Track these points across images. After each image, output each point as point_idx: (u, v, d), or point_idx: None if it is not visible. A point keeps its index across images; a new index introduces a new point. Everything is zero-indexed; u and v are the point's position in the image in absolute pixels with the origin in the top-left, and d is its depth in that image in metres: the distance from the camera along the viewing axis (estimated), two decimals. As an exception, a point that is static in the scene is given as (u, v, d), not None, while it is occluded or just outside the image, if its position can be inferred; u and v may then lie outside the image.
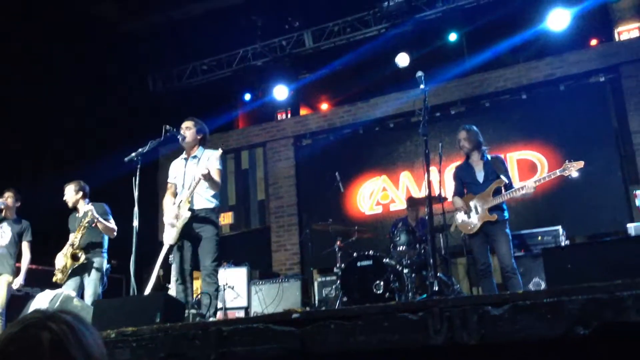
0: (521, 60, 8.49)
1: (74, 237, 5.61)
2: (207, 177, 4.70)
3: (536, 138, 7.98)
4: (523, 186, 5.07)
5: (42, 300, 4.42)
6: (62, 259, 5.70)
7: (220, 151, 4.88)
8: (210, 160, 4.89)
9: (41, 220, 6.29)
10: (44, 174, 7.36)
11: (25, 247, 6.22)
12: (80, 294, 5.52)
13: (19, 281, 6.04)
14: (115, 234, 5.72)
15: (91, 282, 5.57)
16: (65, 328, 1.12)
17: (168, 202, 5.03)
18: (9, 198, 6.22)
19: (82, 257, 5.56)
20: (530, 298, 2.30)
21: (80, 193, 5.85)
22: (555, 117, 7.91)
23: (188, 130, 5.05)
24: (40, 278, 6.66)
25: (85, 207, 5.56)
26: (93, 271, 5.63)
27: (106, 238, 5.79)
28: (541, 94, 8.18)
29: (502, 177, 5.14)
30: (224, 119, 9.86)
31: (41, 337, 1.09)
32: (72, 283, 5.59)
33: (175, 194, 5.07)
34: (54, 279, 5.71)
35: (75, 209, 5.90)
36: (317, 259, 8.31)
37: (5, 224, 6.17)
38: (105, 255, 5.79)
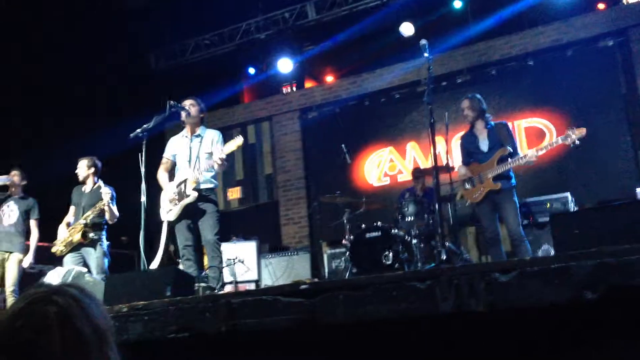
0: (527, 26, 8.36)
1: (86, 216, 5.64)
2: (224, 166, 4.81)
3: (544, 105, 7.91)
4: (525, 155, 5.03)
5: (54, 277, 4.48)
6: (65, 232, 5.74)
7: (239, 142, 4.91)
8: (218, 144, 4.94)
9: (49, 196, 6.31)
10: (50, 151, 7.36)
11: (33, 225, 6.24)
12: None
13: (28, 259, 6.08)
14: (116, 220, 5.76)
15: (96, 259, 5.62)
16: (71, 301, 1.13)
17: (164, 178, 5.06)
18: (15, 176, 6.24)
19: (91, 236, 5.61)
20: (538, 264, 2.30)
21: (93, 169, 5.89)
22: (562, 83, 7.82)
23: (192, 107, 5.07)
24: (52, 255, 6.72)
25: (104, 190, 5.56)
26: (98, 248, 5.67)
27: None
28: (548, 60, 8.07)
29: (507, 145, 5.10)
30: (229, 94, 9.82)
31: (47, 311, 1.09)
32: (72, 258, 5.63)
33: (168, 170, 5.10)
34: (54, 250, 5.76)
35: (82, 183, 5.94)
36: (325, 232, 8.35)
37: (12, 202, 6.19)
38: (105, 233, 5.84)
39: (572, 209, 6.21)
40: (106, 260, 5.68)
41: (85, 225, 5.60)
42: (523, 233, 4.96)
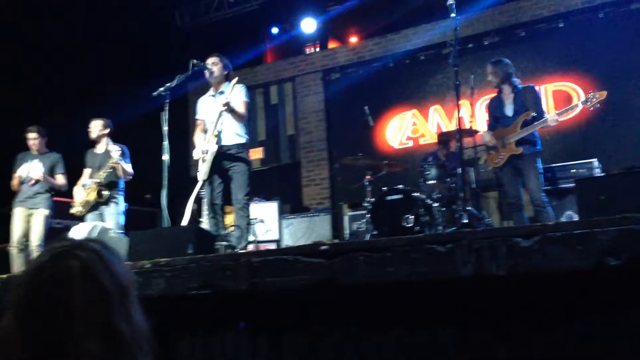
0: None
1: (98, 175, 5.74)
2: (229, 109, 4.71)
3: (573, 68, 7.72)
4: (545, 119, 4.94)
5: (79, 232, 4.56)
6: (82, 193, 5.85)
7: (234, 80, 4.85)
8: (234, 92, 4.87)
9: (74, 155, 6.39)
10: (74, 110, 7.42)
11: (60, 178, 6.32)
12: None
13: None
14: (130, 177, 5.83)
15: (112, 216, 5.76)
16: (94, 256, 1.15)
17: (198, 139, 5.08)
18: (28, 133, 6.29)
19: (106, 193, 5.72)
20: (561, 229, 2.27)
21: (107, 130, 5.97)
22: (593, 46, 7.60)
23: (215, 65, 5.04)
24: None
25: (112, 148, 5.63)
26: (112, 205, 5.83)
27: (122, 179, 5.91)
28: (579, 22, 7.83)
29: (531, 108, 5.01)
30: (252, 54, 9.74)
31: (71, 265, 1.11)
32: (93, 216, 5.78)
33: (205, 130, 5.10)
34: (73, 211, 5.89)
35: (94, 145, 6.01)
36: (346, 193, 8.36)
37: (36, 160, 6.28)
38: (123, 193, 5.94)
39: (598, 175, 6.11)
40: (122, 219, 5.80)
41: (99, 184, 5.70)
42: (546, 199, 4.91)
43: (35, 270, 1.12)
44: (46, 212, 6.16)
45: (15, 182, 6.21)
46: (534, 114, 4.99)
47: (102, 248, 1.18)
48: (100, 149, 6.00)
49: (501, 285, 2.37)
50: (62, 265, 1.11)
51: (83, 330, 1.06)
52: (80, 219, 5.86)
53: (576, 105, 5.03)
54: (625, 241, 2.12)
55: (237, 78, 4.92)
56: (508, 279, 2.29)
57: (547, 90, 7.80)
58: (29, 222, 6.11)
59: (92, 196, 5.73)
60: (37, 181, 6.12)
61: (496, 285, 2.38)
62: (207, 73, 5.00)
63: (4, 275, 3.49)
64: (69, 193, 6.60)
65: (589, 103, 4.80)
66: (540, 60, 7.92)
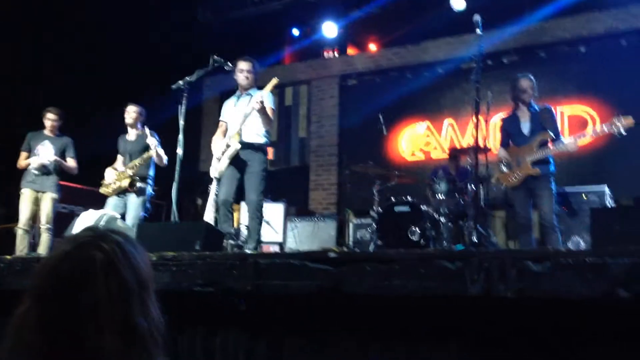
0: (583, 11, 8.07)
1: (133, 164, 5.75)
2: (262, 111, 4.70)
3: (591, 93, 7.69)
4: (566, 142, 4.90)
5: (87, 219, 4.57)
6: (113, 175, 5.88)
7: (274, 81, 4.84)
8: (264, 98, 4.86)
9: (92, 143, 6.43)
10: (92, 101, 7.47)
11: (71, 162, 6.34)
12: (122, 215, 5.70)
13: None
14: (166, 164, 5.86)
15: (135, 205, 5.76)
16: (117, 248, 1.15)
17: (218, 140, 5.06)
18: (49, 114, 6.33)
19: (138, 185, 5.75)
20: (573, 256, 2.25)
21: (141, 117, 6.02)
22: (613, 73, 7.57)
23: (249, 73, 5.04)
24: (84, 197, 6.87)
25: (151, 141, 5.65)
26: (140, 198, 5.84)
27: (154, 167, 5.92)
28: (601, 48, 7.81)
29: (549, 130, 4.98)
30: (271, 54, 9.74)
31: (94, 256, 1.11)
32: (115, 202, 5.79)
33: (225, 133, 5.09)
34: (102, 190, 5.91)
35: (125, 132, 6.02)
36: (354, 201, 8.33)
37: (47, 142, 6.30)
38: (151, 182, 5.95)
39: (607, 203, 6.08)
40: (143, 210, 5.82)
41: (134, 175, 5.73)
42: (556, 222, 4.88)
43: (59, 259, 1.12)
44: (54, 195, 6.19)
45: (22, 161, 6.23)
46: (552, 135, 4.96)
47: (125, 240, 1.18)
48: (132, 135, 6.02)
49: (507, 306, 2.35)
50: (85, 255, 1.11)
51: (100, 323, 1.06)
52: (91, 202, 5.91)
53: (601, 130, 4.90)
54: (637, 273, 2.10)
55: (275, 80, 4.90)
56: (515, 301, 2.28)
57: (562, 114, 7.77)
58: (37, 204, 6.14)
59: (125, 183, 5.76)
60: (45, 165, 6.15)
61: (502, 306, 2.37)
62: (237, 78, 5.02)
63: (8, 257, 3.51)
64: (76, 178, 6.63)
65: (613, 128, 4.67)
66: (559, 83, 7.90)
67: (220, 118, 5.24)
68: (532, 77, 5.19)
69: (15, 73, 7.49)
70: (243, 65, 5.04)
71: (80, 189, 7.17)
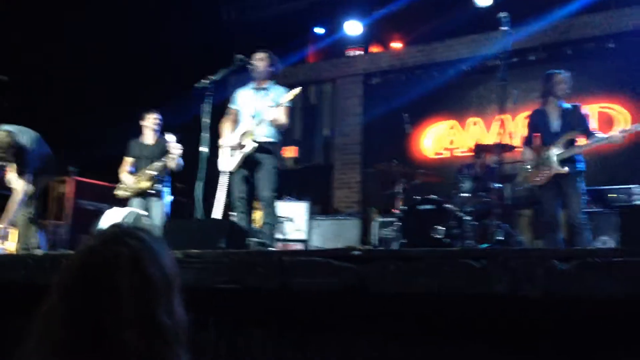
0: (613, 7, 7.93)
1: (155, 167, 5.84)
2: (275, 123, 4.81)
3: (620, 91, 7.55)
4: (610, 136, 4.81)
5: (113, 216, 4.63)
6: (131, 179, 5.96)
7: (296, 91, 4.88)
8: (280, 98, 4.89)
9: (112, 144, 6.51)
10: (111, 103, 7.56)
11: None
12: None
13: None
14: (182, 169, 5.93)
15: (159, 205, 5.86)
16: (142, 245, 1.15)
17: (227, 128, 5.09)
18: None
19: (158, 187, 5.86)
20: (601, 255, 2.22)
21: (161, 122, 6.10)
22: (643, 70, 7.43)
23: (260, 61, 5.06)
24: (109, 194, 6.94)
25: (175, 147, 5.73)
26: (160, 196, 5.95)
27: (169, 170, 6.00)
28: (630, 44, 7.65)
29: (579, 127, 4.90)
30: (295, 52, 9.75)
31: (120, 252, 1.12)
32: (138, 203, 5.89)
33: (234, 121, 5.12)
34: (117, 192, 6.01)
35: (137, 136, 6.15)
36: (377, 199, 8.31)
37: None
38: (169, 184, 6.07)
39: (637, 201, 5.97)
40: (166, 208, 5.90)
41: (154, 176, 5.81)
42: (585, 221, 4.80)
43: (85, 254, 1.13)
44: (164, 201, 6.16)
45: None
46: (581, 133, 4.88)
47: (150, 238, 1.19)
48: (150, 139, 6.10)
49: (533, 306, 2.33)
50: (111, 251, 1.11)
51: (124, 319, 1.07)
52: (117, 199, 5.99)
53: None
54: (668, 273, 2.06)
55: (300, 88, 4.96)
56: (541, 300, 2.25)
57: (591, 111, 7.64)
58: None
59: (145, 185, 5.85)
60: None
61: (527, 306, 2.34)
62: (251, 68, 5.04)
63: (39, 253, 3.58)
64: (101, 177, 6.70)
65: None
66: (587, 80, 7.75)
67: (231, 105, 5.23)
68: (566, 73, 5.12)
69: (43, 73, 7.60)
70: (258, 55, 5.07)
71: (108, 186, 7.27)
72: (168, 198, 6.07)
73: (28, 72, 5.61)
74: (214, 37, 9.24)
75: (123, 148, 6.27)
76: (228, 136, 5.05)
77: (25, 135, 5.50)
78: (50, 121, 6.70)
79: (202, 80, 4.83)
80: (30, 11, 7.35)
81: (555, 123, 5.03)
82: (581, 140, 4.98)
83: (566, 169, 4.83)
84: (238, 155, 4.89)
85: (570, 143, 4.91)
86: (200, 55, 8.31)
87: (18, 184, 5.39)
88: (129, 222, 4.47)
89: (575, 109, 5.08)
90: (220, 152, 5.06)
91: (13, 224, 5.59)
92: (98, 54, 7.90)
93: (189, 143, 5.73)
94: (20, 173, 5.42)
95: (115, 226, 1.21)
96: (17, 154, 5.46)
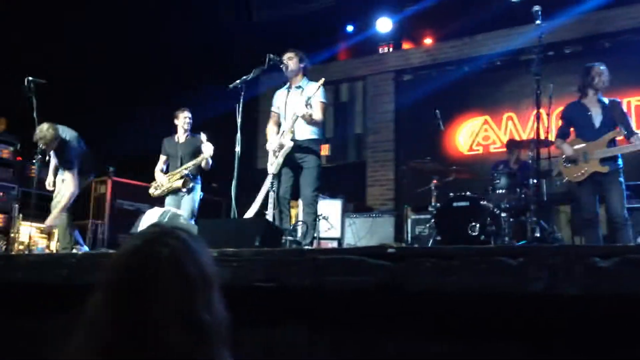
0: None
1: (187, 166, 5.94)
2: (309, 121, 4.81)
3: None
4: None
5: (152, 216, 4.72)
6: (164, 177, 6.12)
7: (320, 82, 4.90)
8: (315, 95, 4.90)
9: (144, 143, 6.60)
10: (145, 103, 7.63)
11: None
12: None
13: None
14: (210, 168, 6.01)
15: (189, 202, 6.01)
16: (182, 244, 1.18)
17: (271, 131, 5.16)
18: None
19: (191, 184, 5.95)
20: (642, 252, 2.17)
21: (191, 121, 6.18)
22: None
23: (290, 60, 5.10)
24: (145, 194, 7.04)
25: (208, 146, 5.81)
26: (192, 195, 6.06)
27: (199, 167, 6.08)
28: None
29: (621, 124, 4.78)
30: (326, 50, 9.75)
31: (161, 252, 1.14)
32: (172, 201, 6.04)
33: (277, 123, 5.18)
34: (151, 191, 6.17)
35: (169, 134, 6.27)
36: (411, 197, 8.24)
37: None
38: (199, 182, 6.17)
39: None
40: (197, 205, 5.99)
41: (187, 175, 5.91)
42: (627, 216, 4.68)
43: (128, 253, 1.16)
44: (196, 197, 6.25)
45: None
46: (625, 132, 4.76)
47: (190, 237, 1.21)
48: (182, 138, 6.20)
49: (572, 304, 2.29)
50: (153, 251, 1.14)
51: (166, 317, 1.09)
52: (155, 198, 6.09)
53: None
54: None
55: (323, 79, 4.96)
56: (581, 298, 2.21)
57: (629, 105, 7.46)
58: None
59: (178, 184, 5.98)
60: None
61: (566, 304, 2.30)
62: (283, 67, 5.09)
63: (78, 253, 3.66)
64: (136, 177, 6.80)
65: None
66: (624, 73, 7.55)
67: (273, 109, 5.33)
68: (604, 66, 5.01)
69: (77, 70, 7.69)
70: (287, 54, 5.13)
71: (140, 186, 7.39)
72: (198, 194, 6.16)
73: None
74: (246, 37, 9.28)
75: (155, 147, 6.38)
76: (273, 139, 5.11)
77: (67, 132, 5.68)
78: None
79: (236, 81, 4.87)
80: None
81: (597, 118, 4.90)
82: (622, 140, 4.87)
83: (607, 167, 4.72)
84: (279, 156, 4.93)
85: (612, 142, 4.79)
86: (233, 55, 8.37)
87: (67, 186, 5.55)
88: (166, 222, 4.55)
89: (616, 105, 4.95)
90: (270, 155, 5.10)
91: (56, 224, 5.75)
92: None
93: (220, 143, 5.83)
94: (67, 170, 5.57)
95: (155, 226, 1.24)
96: (61, 148, 5.62)
